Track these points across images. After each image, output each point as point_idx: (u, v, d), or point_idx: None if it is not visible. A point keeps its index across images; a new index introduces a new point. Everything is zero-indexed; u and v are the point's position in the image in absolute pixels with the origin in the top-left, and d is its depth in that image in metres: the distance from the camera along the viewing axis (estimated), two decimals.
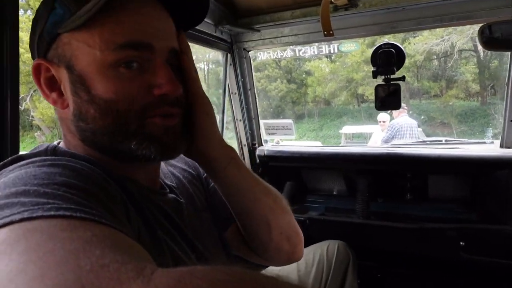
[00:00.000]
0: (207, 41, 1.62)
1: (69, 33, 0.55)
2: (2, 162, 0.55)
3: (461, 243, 1.52)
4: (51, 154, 0.57)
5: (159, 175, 0.71)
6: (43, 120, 11.94)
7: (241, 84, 1.89)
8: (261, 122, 2.05)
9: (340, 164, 1.84)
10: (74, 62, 0.55)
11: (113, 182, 0.53)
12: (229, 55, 1.80)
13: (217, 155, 0.68)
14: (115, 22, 0.54)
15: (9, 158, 0.56)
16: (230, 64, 1.82)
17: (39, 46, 0.58)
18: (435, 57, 15.31)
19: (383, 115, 6.71)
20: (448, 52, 14.48)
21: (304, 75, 18.02)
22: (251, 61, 1.87)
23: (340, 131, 13.33)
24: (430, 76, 15.83)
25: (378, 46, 1.54)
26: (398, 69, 1.55)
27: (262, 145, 2.06)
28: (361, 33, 1.59)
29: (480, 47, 12.33)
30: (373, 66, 1.55)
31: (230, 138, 2.05)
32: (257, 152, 1.99)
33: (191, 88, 0.64)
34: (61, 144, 0.63)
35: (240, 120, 1.95)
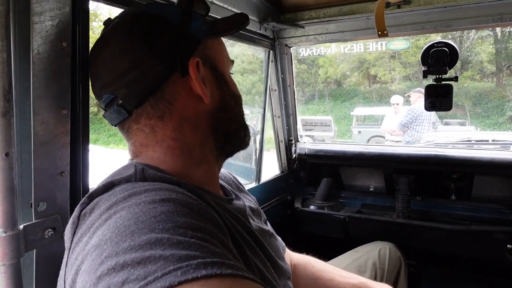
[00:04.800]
0: (252, 39, 1.58)
1: (211, 40, 0.68)
2: (93, 189, 0.55)
3: (508, 246, 1.51)
4: (140, 178, 0.57)
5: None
6: None
7: (281, 80, 1.85)
8: (299, 118, 2.02)
9: (384, 164, 1.81)
10: (216, 64, 0.68)
11: (205, 204, 0.54)
12: (271, 52, 1.75)
13: None
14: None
15: (100, 185, 0.56)
16: (272, 61, 1.78)
17: (184, 47, 0.62)
18: (450, 36, 14.90)
19: (397, 97, 6.55)
20: (465, 31, 14.05)
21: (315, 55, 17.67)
22: (292, 57, 1.83)
23: (352, 113, 13.13)
24: None
25: (431, 45, 1.48)
26: (450, 69, 1.51)
27: (298, 141, 2.04)
28: (413, 31, 1.53)
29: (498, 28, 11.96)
30: (424, 65, 1.51)
31: (271, 135, 2.03)
32: (298, 150, 1.96)
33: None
34: (143, 160, 0.62)
35: (279, 117, 1.93)
